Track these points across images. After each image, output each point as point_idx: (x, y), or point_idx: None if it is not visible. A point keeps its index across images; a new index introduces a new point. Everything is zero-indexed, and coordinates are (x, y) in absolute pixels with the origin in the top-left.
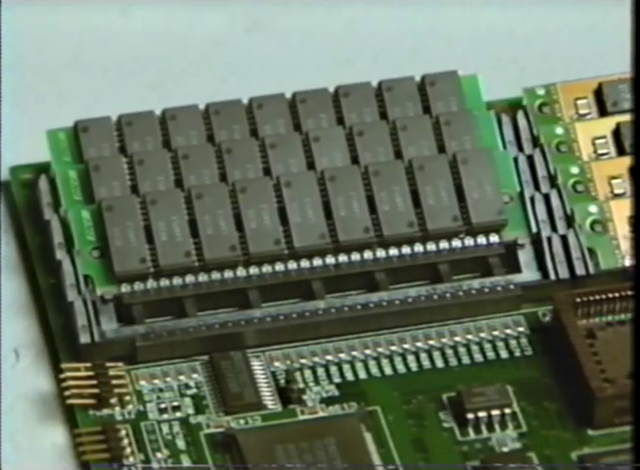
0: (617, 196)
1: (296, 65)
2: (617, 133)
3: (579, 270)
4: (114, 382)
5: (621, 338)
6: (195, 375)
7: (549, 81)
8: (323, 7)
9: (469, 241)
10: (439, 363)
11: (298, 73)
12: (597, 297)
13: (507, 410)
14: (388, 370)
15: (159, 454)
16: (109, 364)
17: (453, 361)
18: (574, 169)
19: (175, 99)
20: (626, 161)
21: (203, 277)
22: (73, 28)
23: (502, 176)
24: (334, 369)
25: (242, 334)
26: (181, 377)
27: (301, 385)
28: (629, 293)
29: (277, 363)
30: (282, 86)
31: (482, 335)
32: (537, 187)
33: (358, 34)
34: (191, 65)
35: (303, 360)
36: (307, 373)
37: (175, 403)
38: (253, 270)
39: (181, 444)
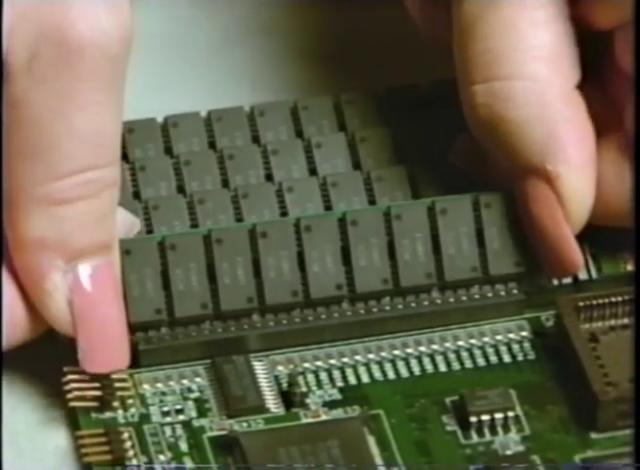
0: None
1: (298, 69)
2: None
3: (582, 275)
4: (117, 385)
5: (624, 342)
6: (198, 379)
7: None
8: (326, 8)
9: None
10: (442, 367)
11: (301, 77)
12: (600, 301)
13: (510, 413)
14: (390, 374)
15: (161, 457)
16: None
17: (456, 365)
18: None
19: (177, 105)
20: None
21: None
22: None
23: None
24: (336, 373)
25: (245, 338)
26: (184, 381)
27: (304, 389)
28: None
29: (280, 367)
30: (284, 91)
31: (486, 339)
32: None
33: (360, 36)
34: (193, 69)
35: (306, 364)
36: (310, 377)
37: (178, 407)
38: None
39: (184, 446)
